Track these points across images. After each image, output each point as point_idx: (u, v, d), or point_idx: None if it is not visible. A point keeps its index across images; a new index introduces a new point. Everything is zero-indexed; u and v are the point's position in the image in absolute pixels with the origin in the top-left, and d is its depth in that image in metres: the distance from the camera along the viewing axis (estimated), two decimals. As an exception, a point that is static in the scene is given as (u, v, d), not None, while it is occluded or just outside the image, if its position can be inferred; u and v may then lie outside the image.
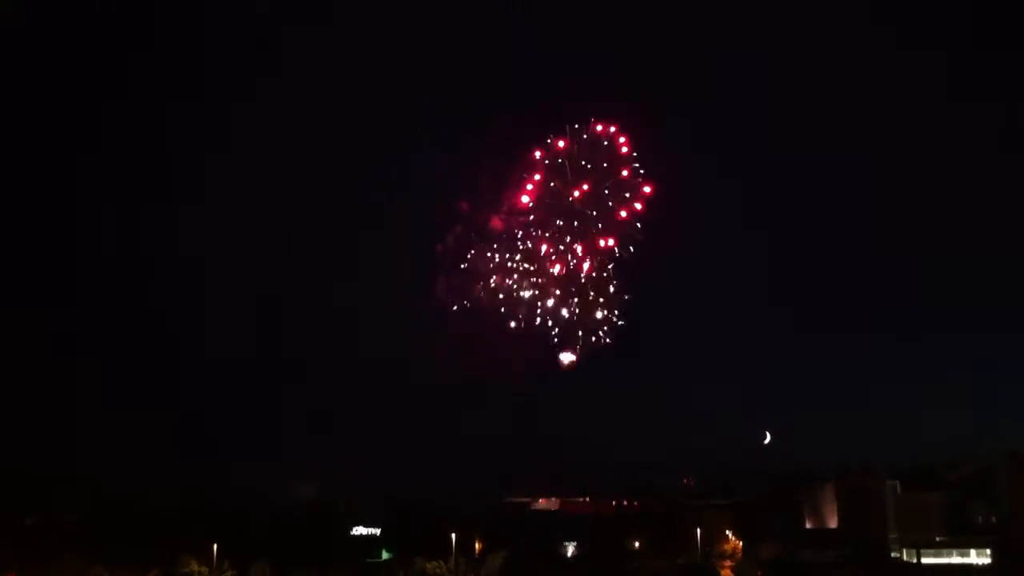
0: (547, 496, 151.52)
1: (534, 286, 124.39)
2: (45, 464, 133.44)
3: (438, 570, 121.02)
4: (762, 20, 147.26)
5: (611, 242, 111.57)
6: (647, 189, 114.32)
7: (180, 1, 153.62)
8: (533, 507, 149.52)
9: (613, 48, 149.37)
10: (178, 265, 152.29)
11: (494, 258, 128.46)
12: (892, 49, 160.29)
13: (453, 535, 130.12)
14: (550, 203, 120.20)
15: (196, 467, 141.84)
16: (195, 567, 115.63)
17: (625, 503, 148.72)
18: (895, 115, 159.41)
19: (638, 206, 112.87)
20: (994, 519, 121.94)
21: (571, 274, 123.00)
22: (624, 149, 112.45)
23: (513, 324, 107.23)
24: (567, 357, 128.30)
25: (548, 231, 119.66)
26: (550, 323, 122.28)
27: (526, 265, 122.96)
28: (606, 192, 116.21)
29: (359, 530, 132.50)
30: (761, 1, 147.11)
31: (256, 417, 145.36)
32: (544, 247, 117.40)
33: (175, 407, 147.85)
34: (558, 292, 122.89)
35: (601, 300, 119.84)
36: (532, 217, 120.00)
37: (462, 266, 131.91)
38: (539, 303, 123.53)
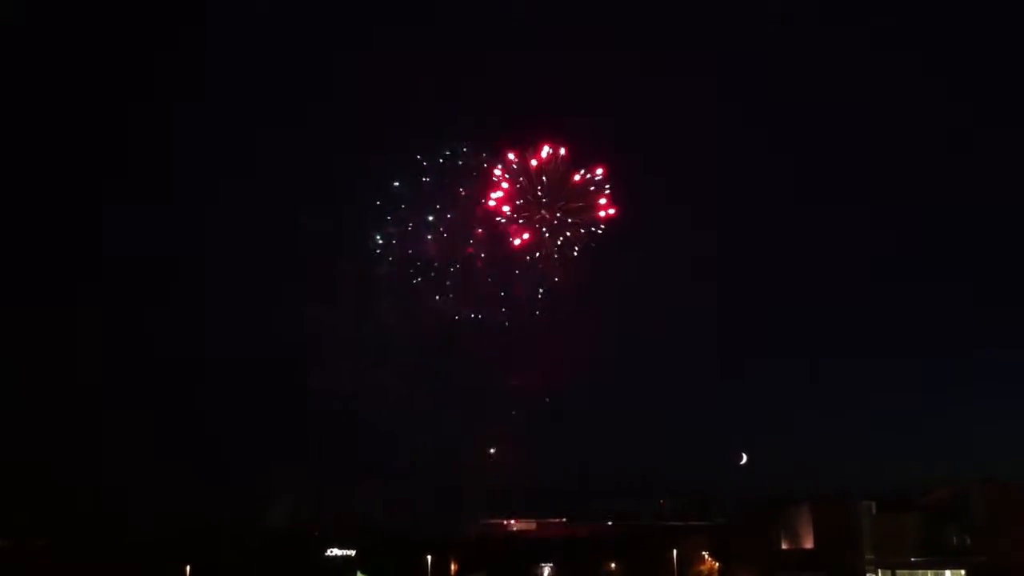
0: (523, 518, 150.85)
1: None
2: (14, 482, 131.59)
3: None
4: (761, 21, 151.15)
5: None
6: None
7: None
8: (509, 529, 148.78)
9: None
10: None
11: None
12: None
13: (429, 557, 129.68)
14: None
15: (167, 484, 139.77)
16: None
17: (601, 525, 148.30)
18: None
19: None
20: (968, 541, 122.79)
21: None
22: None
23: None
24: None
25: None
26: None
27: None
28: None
29: (334, 551, 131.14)
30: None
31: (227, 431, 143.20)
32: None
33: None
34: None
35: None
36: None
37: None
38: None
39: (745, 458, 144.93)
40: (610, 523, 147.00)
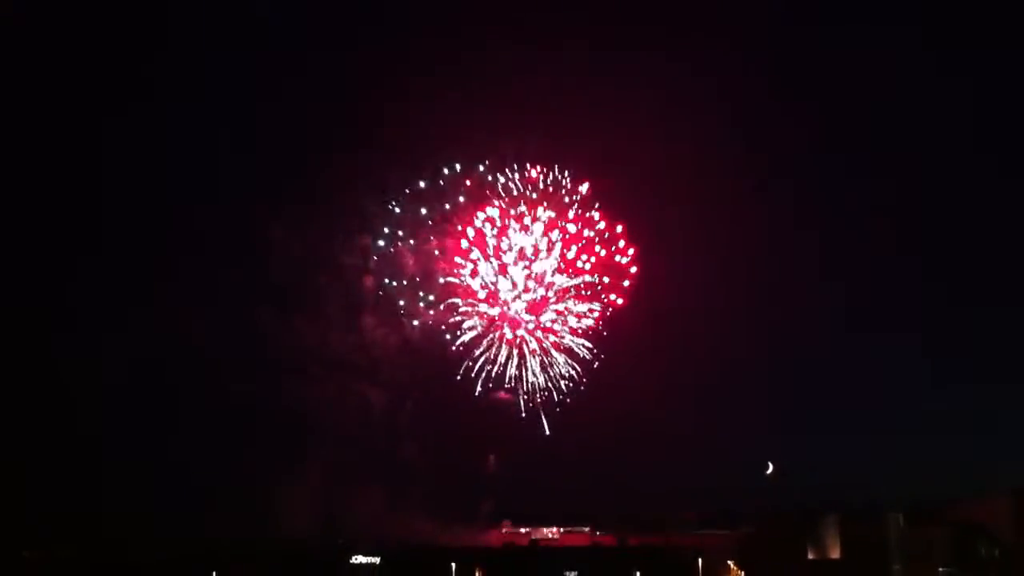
0: (548, 526, 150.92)
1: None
2: (44, 498, 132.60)
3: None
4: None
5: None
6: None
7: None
8: (535, 537, 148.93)
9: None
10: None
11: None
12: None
13: (453, 564, 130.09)
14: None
15: (189, 500, 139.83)
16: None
17: (625, 533, 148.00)
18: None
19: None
20: (997, 553, 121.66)
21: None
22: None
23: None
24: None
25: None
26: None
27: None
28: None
29: (359, 559, 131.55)
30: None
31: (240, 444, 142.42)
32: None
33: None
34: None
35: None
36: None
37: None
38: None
39: (772, 467, 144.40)
40: (635, 531, 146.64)
